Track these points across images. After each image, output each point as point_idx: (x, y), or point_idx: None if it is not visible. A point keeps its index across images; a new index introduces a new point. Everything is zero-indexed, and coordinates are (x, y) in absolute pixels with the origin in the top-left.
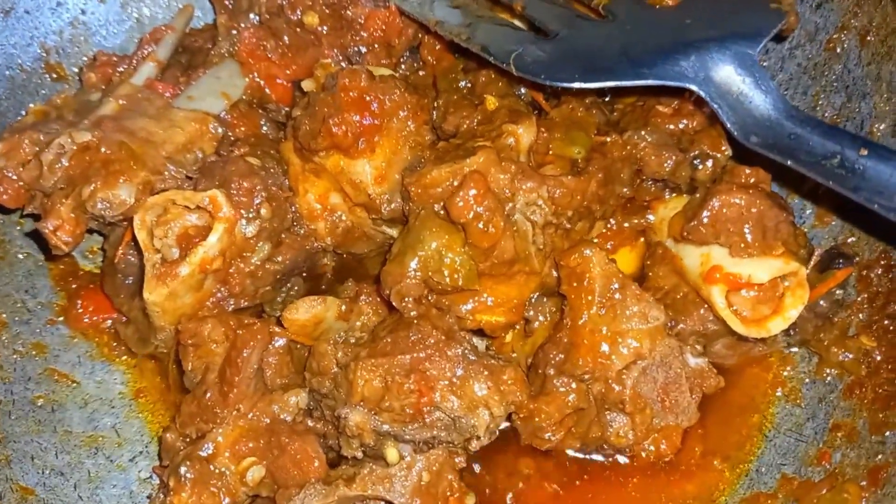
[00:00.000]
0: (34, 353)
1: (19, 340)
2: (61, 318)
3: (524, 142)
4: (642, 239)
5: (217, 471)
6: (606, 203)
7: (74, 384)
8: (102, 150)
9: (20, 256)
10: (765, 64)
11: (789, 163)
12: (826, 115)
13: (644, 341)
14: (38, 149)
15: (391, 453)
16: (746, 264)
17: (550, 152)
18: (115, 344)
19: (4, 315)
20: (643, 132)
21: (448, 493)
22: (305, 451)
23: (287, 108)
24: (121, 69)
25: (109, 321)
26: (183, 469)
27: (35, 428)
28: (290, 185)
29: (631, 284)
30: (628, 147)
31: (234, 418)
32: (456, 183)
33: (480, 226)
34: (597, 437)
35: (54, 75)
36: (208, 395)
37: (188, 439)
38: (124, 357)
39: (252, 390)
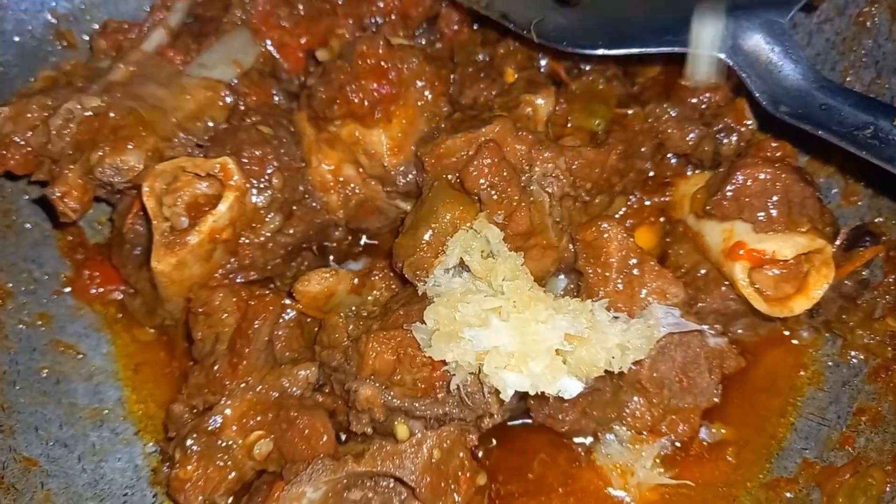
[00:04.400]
0: (40, 323)
1: (25, 310)
2: (68, 289)
3: (542, 112)
4: (662, 218)
5: (224, 444)
6: (626, 177)
7: (80, 356)
8: (111, 115)
9: (27, 226)
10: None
11: (820, 133)
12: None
13: None
14: (46, 114)
15: (401, 430)
16: (771, 240)
17: (569, 124)
18: (120, 316)
19: (10, 284)
20: (665, 105)
21: (459, 472)
22: (314, 425)
23: (299, 79)
24: (131, 36)
25: (117, 292)
26: (189, 441)
27: (40, 399)
28: (302, 156)
29: (650, 260)
30: (650, 120)
31: (243, 391)
32: (471, 153)
33: (495, 196)
34: (613, 418)
35: (64, 43)
36: (217, 366)
37: (195, 411)
38: (131, 330)
39: (262, 363)
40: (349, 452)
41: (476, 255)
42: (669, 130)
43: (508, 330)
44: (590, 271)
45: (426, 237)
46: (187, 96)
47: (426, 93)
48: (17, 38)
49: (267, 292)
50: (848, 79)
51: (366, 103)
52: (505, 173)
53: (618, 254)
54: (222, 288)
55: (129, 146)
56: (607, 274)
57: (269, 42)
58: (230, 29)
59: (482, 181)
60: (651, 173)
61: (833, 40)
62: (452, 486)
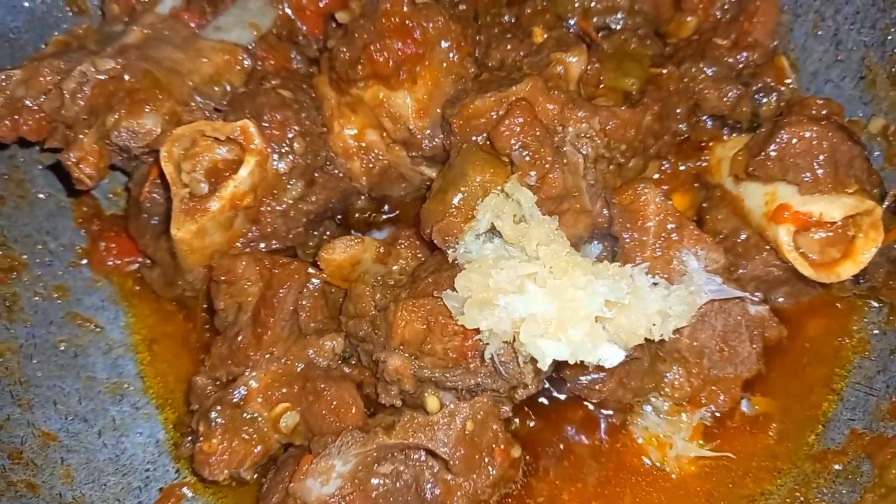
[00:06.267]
0: (56, 295)
1: (40, 283)
2: (84, 261)
3: (574, 71)
4: (696, 184)
5: (249, 417)
6: (661, 139)
7: (98, 329)
8: (126, 78)
9: (41, 196)
10: None
11: None
12: None
13: None
14: (59, 78)
15: (431, 401)
16: (817, 202)
17: (602, 85)
18: (138, 288)
19: (25, 256)
20: (701, 64)
21: (493, 444)
22: (342, 396)
23: (318, 42)
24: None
25: (134, 264)
26: (213, 414)
27: (57, 373)
28: (324, 121)
29: (689, 224)
30: (685, 80)
31: (268, 362)
32: (501, 113)
33: (527, 157)
34: (650, 389)
35: (75, 9)
36: (241, 336)
37: (218, 383)
38: (149, 302)
39: (287, 333)
40: (379, 424)
41: (508, 220)
42: (706, 91)
43: (545, 296)
44: (626, 236)
45: (455, 201)
46: (204, 59)
47: (452, 54)
48: (26, 4)
49: (292, 261)
50: (889, 37)
51: (391, 63)
52: (538, 133)
53: (655, 217)
54: (245, 256)
55: (146, 109)
56: (644, 238)
57: (286, 4)
58: None
59: (513, 141)
60: (686, 136)
61: None
62: (486, 459)
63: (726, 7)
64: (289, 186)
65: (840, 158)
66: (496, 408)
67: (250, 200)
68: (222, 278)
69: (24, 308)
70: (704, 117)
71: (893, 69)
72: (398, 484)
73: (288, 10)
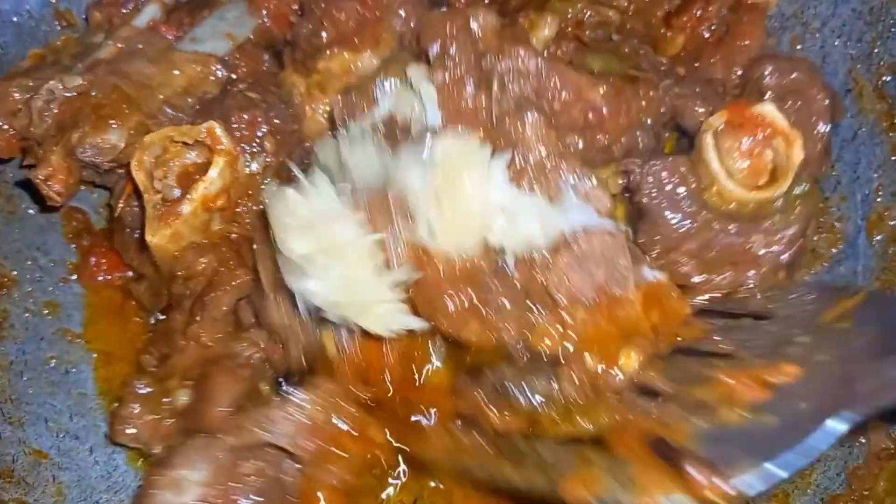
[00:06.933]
0: (46, 311)
1: (31, 299)
2: (74, 276)
3: (541, 29)
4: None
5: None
6: (618, 136)
7: (88, 344)
8: (93, 94)
9: (31, 212)
10: (815, 11)
11: None
12: (883, 62)
13: None
14: (28, 95)
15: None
16: None
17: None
18: (129, 302)
19: (15, 272)
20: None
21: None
22: (222, 383)
23: (285, 37)
24: (125, 10)
25: (124, 279)
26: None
27: (48, 389)
28: (295, 113)
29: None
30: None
31: (193, 348)
32: None
33: (443, 58)
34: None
35: (64, 23)
36: (174, 322)
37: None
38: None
39: (220, 328)
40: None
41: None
42: (680, 103)
43: None
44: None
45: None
46: (176, 71)
47: (411, 22)
48: (14, 19)
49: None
50: (875, 50)
51: (351, 23)
52: (463, 42)
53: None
54: (210, 253)
55: (112, 124)
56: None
57: (265, 13)
58: (226, 1)
59: (436, 41)
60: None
61: (860, 10)
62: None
63: (713, 28)
64: (263, 186)
65: None
66: (351, 393)
67: (223, 202)
68: (180, 273)
69: (14, 325)
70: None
71: (880, 82)
72: (263, 481)
73: (267, 20)
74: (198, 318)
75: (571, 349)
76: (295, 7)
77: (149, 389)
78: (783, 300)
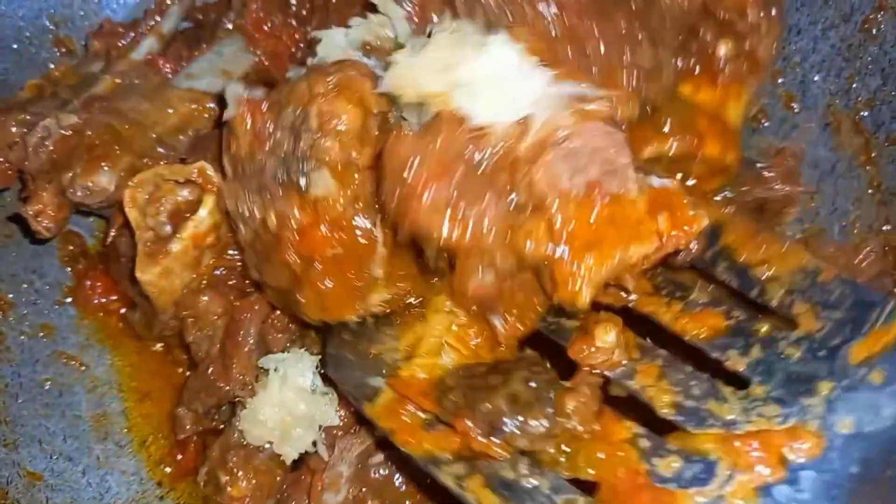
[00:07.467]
0: (41, 334)
1: (26, 321)
2: (69, 299)
3: None
4: None
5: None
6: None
7: (83, 367)
8: (88, 133)
9: (27, 236)
10: (796, 46)
11: None
12: (860, 98)
13: None
14: (25, 130)
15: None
16: None
17: None
18: (123, 326)
19: (11, 295)
20: None
21: None
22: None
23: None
24: (125, 41)
25: (119, 302)
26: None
27: (43, 411)
28: None
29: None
30: None
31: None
32: None
33: None
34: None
35: (63, 49)
36: (210, 369)
37: (198, 414)
38: (133, 340)
39: (256, 359)
40: None
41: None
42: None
43: None
44: None
45: None
46: (170, 110)
47: None
48: (14, 46)
49: (253, 292)
50: (854, 86)
51: None
52: None
53: None
54: (209, 290)
55: (103, 166)
56: None
57: (260, 52)
58: (224, 36)
59: None
60: None
61: (839, 47)
62: None
63: None
64: None
65: None
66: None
67: (213, 239)
68: (186, 313)
69: (10, 347)
70: None
71: (857, 117)
72: (393, 469)
73: (262, 56)
74: (234, 361)
75: (559, 252)
76: (294, 50)
77: (239, 460)
78: (811, 298)
